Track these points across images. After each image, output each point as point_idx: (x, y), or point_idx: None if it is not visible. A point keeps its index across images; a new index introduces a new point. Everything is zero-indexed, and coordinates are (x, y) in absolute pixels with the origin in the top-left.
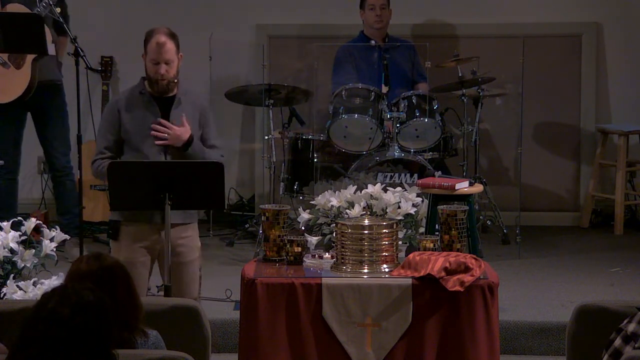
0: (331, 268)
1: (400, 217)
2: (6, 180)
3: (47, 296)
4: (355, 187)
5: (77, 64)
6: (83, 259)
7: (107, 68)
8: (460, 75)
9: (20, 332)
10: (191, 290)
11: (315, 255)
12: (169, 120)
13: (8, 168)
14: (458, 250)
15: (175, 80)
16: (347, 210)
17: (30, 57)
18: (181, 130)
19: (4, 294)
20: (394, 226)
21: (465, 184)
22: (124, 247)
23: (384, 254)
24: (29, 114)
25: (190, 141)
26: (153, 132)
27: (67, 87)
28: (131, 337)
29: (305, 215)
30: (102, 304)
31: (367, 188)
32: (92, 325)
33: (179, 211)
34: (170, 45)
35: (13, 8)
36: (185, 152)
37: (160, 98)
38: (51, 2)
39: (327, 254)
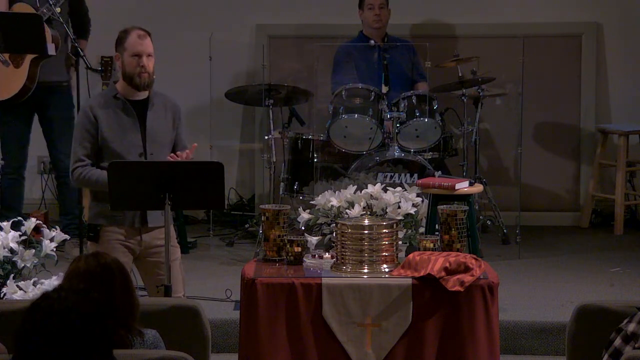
0: (331, 268)
1: (400, 217)
2: (10, 179)
3: (35, 306)
4: (355, 187)
5: (77, 64)
6: (82, 258)
7: (107, 68)
8: (460, 75)
9: (15, 343)
10: (176, 289)
11: (315, 255)
12: (145, 123)
13: (12, 167)
14: (458, 250)
15: (154, 77)
16: (347, 210)
17: (29, 57)
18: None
19: (4, 294)
20: (394, 226)
21: (465, 184)
22: (105, 248)
23: (384, 254)
24: (36, 115)
25: None
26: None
27: None
28: (127, 335)
29: (305, 215)
30: (93, 308)
31: (367, 188)
32: (84, 332)
33: (159, 214)
34: (149, 40)
35: (20, 8)
36: None
37: (133, 101)
38: (52, 3)
39: (327, 254)
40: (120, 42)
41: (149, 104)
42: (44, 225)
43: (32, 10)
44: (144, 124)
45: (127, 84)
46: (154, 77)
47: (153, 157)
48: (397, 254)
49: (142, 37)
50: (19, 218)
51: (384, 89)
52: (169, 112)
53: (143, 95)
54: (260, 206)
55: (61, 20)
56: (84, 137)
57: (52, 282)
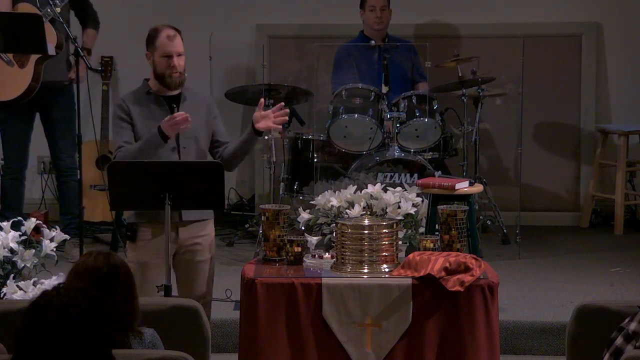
0: (331, 268)
1: (400, 217)
2: (11, 180)
3: (35, 303)
4: (355, 187)
5: (77, 64)
6: (92, 254)
7: (107, 68)
8: (460, 75)
9: (14, 341)
10: (202, 290)
11: (315, 255)
12: None
13: (13, 168)
14: (458, 250)
15: (186, 75)
16: (347, 210)
17: (34, 57)
18: None
19: (4, 294)
20: (394, 226)
21: (465, 184)
22: (140, 248)
23: (384, 254)
24: (37, 115)
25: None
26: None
27: None
28: (124, 339)
29: (305, 215)
30: (92, 304)
31: (367, 188)
32: (82, 327)
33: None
34: (179, 39)
35: (24, 8)
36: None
37: (167, 97)
38: (52, 3)
39: (327, 254)
40: (150, 41)
41: (181, 98)
42: (44, 225)
43: (36, 10)
44: None
45: (159, 83)
46: (186, 75)
47: (186, 151)
48: (397, 254)
49: (172, 38)
50: (19, 218)
51: (384, 89)
52: (202, 105)
53: (175, 91)
54: (260, 206)
55: (61, 20)
56: (121, 126)
57: (52, 282)
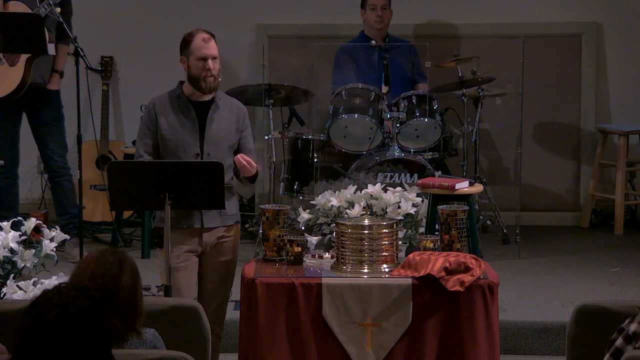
0: (331, 268)
1: (400, 217)
2: (5, 179)
3: (35, 301)
4: (355, 187)
5: (77, 64)
6: (100, 252)
7: (107, 68)
8: (460, 75)
9: (14, 340)
10: (221, 290)
11: (315, 255)
12: (205, 125)
13: (6, 167)
14: (458, 250)
15: (220, 79)
16: (347, 210)
17: (24, 56)
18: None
19: (4, 294)
20: (394, 226)
21: (465, 184)
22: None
23: (384, 254)
24: (24, 113)
25: (256, 173)
26: (242, 166)
27: (67, 87)
28: (126, 339)
29: (305, 215)
30: (92, 303)
31: (367, 188)
32: (82, 325)
33: (216, 215)
34: (214, 43)
35: (15, 6)
36: (251, 182)
37: (196, 102)
38: (52, 3)
39: (327, 254)
40: (185, 45)
41: (212, 105)
42: (44, 225)
43: (27, 9)
44: (204, 125)
45: (193, 87)
46: (220, 79)
47: (210, 158)
48: (397, 254)
49: (207, 41)
50: (19, 218)
51: (384, 89)
52: (233, 115)
53: (207, 96)
54: (260, 206)
55: (61, 20)
56: (145, 133)
57: (52, 282)
